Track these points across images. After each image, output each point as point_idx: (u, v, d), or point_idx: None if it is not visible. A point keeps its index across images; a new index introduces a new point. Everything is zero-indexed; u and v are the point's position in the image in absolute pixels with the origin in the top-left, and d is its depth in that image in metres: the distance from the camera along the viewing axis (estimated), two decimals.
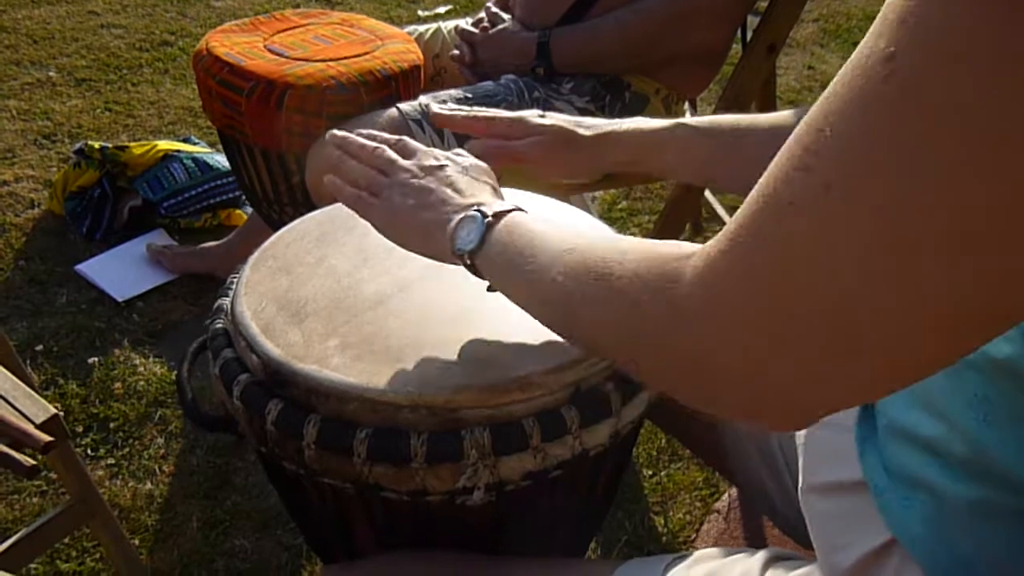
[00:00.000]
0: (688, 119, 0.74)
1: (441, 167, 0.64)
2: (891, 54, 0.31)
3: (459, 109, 0.81)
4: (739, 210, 0.39)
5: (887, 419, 0.61)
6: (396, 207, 0.62)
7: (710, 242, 0.41)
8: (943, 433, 0.52)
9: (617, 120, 0.74)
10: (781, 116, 0.73)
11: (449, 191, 0.62)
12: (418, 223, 0.61)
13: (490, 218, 0.57)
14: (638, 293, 0.43)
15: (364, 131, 0.70)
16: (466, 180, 0.63)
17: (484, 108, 0.80)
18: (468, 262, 0.58)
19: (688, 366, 0.42)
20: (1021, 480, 0.47)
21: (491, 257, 0.56)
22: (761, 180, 0.37)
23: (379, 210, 0.64)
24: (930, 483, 0.52)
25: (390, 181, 0.64)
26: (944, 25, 0.30)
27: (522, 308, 0.55)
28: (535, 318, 0.54)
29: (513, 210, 0.58)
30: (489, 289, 0.59)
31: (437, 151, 0.67)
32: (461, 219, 0.58)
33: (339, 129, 1.21)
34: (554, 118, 0.75)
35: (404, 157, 0.66)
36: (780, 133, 0.70)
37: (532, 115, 0.76)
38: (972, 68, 0.30)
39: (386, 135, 0.69)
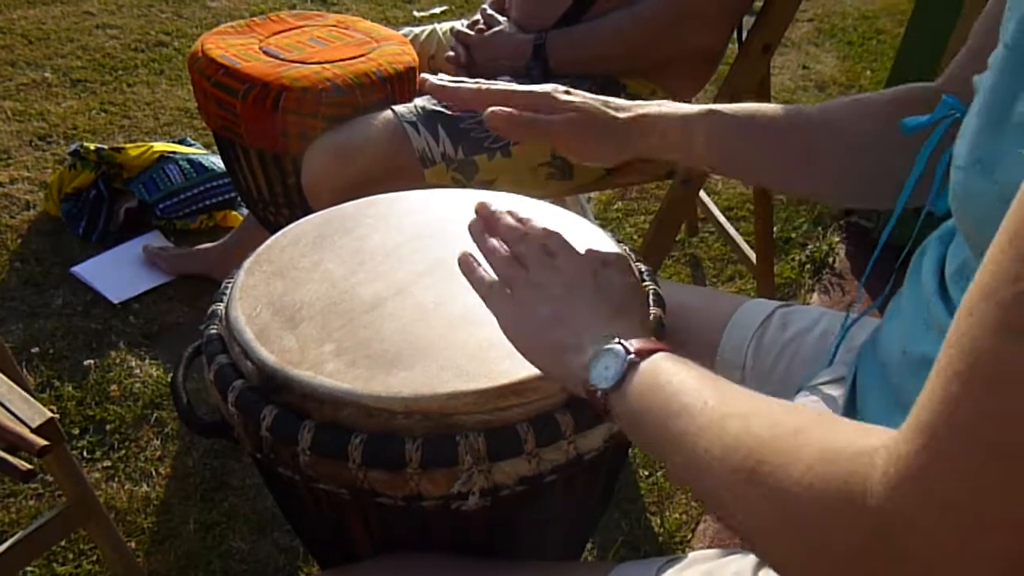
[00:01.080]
0: (721, 106, 0.71)
1: (590, 274, 0.58)
2: None
3: (462, 81, 0.72)
4: (923, 395, 0.33)
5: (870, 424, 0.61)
6: (529, 313, 0.57)
7: (903, 432, 0.34)
8: None
9: (647, 103, 0.71)
10: (817, 106, 0.71)
11: (591, 313, 0.56)
12: (549, 340, 0.56)
13: (633, 355, 0.51)
14: (812, 496, 0.37)
15: (516, 210, 0.65)
16: (612, 304, 0.57)
17: (500, 83, 0.73)
18: (600, 401, 0.52)
19: None
20: None
21: (628, 401, 0.50)
22: (951, 350, 0.32)
23: (509, 308, 0.58)
24: None
25: (528, 278, 0.58)
26: None
27: (655, 457, 0.50)
28: (673, 475, 0.49)
29: (660, 350, 0.52)
30: (620, 434, 0.53)
31: (588, 258, 0.60)
32: (600, 350, 0.53)
33: (335, 132, 1.23)
34: (582, 96, 0.70)
35: (551, 253, 0.60)
36: (817, 123, 0.69)
37: (556, 90, 0.70)
38: None
39: (537, 224, 0.63)
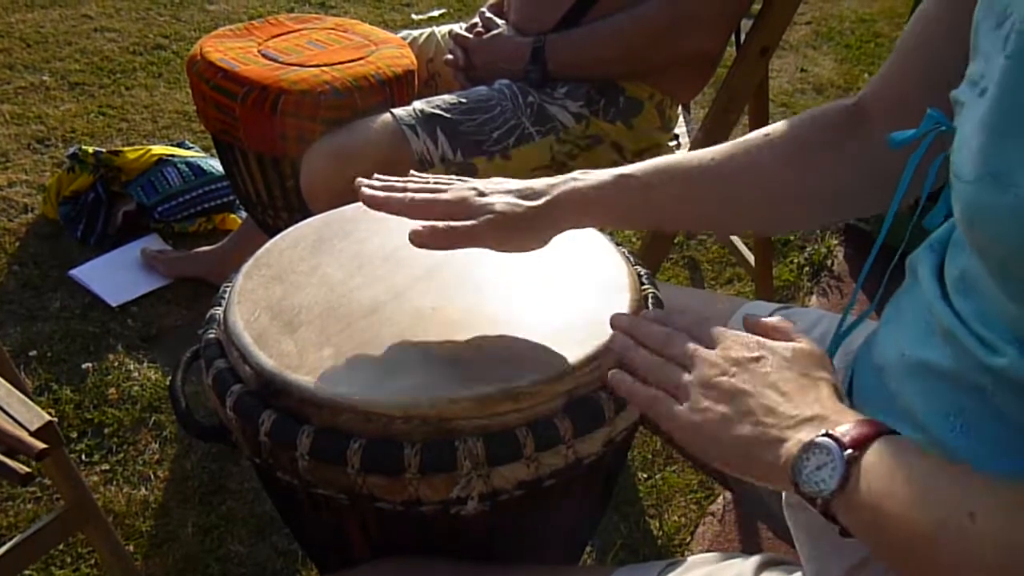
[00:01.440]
0: (626, 169, 0.70)
1: (756, 359, 0.52)
2: None
3: (391, 185, 0.72)
4: None
5: None
6: (704, 416, 0.51)
7: None
8: (924, 444, 0.53)
9: (557, 180, 0.70)
10: (723, 150, 0.70)
11: (773, 395, 0.50)
12: (735, 439, 0.50)
13: (849, 451, 0.45)
14: None
15: (652, 313, 0.63)
16: (792, 379, 0.51)
17: (420, 188, 0.72)
18: (822, 508, 0.46)
19: None
20: None
21: (858, 504, 0.44)
22: None
23: (681, 417, 0.52)
24: None
25: (693, 378, 0.53)
26: None
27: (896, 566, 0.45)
28: None
29: (873, 435, 0.46)
30: (843, 533, 0.47)
31: (748, 337, 0.55)
32: (805, 446, 0.46)
33: (334, 135, 1.23)
34: (495, 193, 0.70)
35: (705, 344, 0.55)
36: (725, 170, 0.69)
37: (470, 193, 0.70)
38: None
39: (678, 317, 0.59)
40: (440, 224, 0.68)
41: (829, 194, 0.71)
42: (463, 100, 1.27)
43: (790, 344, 0.54)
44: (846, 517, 0.45)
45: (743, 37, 1.36)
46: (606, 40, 1.27)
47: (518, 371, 0.62)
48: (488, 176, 1.23)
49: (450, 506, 0.61)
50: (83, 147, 1.97)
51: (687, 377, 0.54)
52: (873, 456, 0.45)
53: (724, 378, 0.52)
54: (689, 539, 1.34)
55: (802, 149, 0.71)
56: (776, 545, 1.29)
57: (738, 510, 1.38)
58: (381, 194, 0.71)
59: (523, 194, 0.69)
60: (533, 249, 0.70)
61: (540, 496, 0.64)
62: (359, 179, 0.73)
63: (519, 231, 0.69)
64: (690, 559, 0.67)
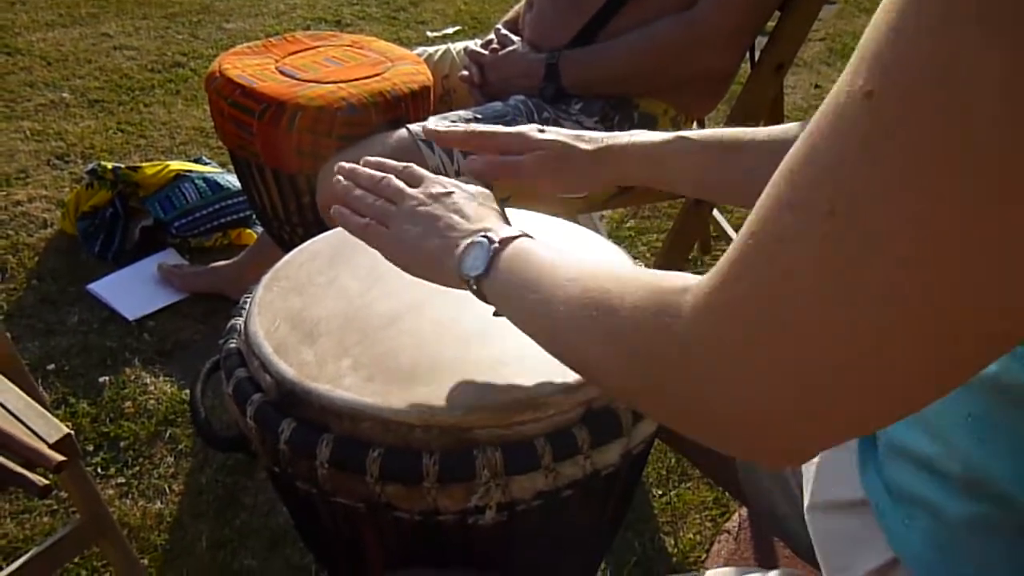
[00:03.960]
0: (688, 132, 0.74)
1: (448, 194, 0.65)
2: (868, 92, 0.33)
3: (456, 125, 0.79)
4: (731, 245, 0.39)
5: (886, 438, 0.61)
6: (404, 235, 0.63)
7: (706, 277, 0.40)
8: (940, 452, 0.53)
9: (617, 133, 0.74)
10: (780, 129, 0.72)
11: (456, 217, 0.62)
12: (425, 250, 0.62)
13: (496, 244, 0.57)
14: (636, 328, 0.43)
15: (371, 159, 0.71)
16: (473, 206, 0.64)
17: (484, 125, 0.79)
18: (474, 287, 0.58)
19: (684, 403, 0.42)
20: (1016, 496, 0.47)
21: (497, 283, 0.57)
22: (751, 216, 0.37)
23: (387, 239, 0.64)
24: (929, 501, 0.52)
25: (398, 210, 0.65)
26: (912, 57, 0.31)
27: (528, 336, 0.54)
28: (541, 347, 0.53)
29: (520, 236, 0.58)
30: (495, 314, 0.58)
31: (444, 179, 0.67)
32: (468, 244, 0.59)
33: (349, 150, 1.24)
34: (554, 133, 0.75)
35: (411, 185, 0.67)
36: (777, 147, 0.70)
37: (531, 130, 0.76)
38: (941, 98, 0.30)
39: (392, 162, 0.70)
40: (492, 157, 0.74)
41: None
42: (478, 116, 1.27)
43: (475, 187, 0.67)
44: (491, 296, 0.57)
45: (758, 54, 1.36)
46: (620, 57, 1.28)
47: (536, 381, 0.62)
48: (504, 191, 1.25)
49: (467, 516, 0.61)
50: (102, 163, 2.00)
51: (394, 209, 0.65)
52: (511, 249, 0.57)
53: (421, 208, 0.64)
54: (704, 556, 1.33)
55: None
56: (792, 562, 1.28)
57: (754, 527, 1.37)
58: (444, 128, 0.78)
59: (581, 137, 0.74)
60: (576, 193, 0.75)
61: (557, 507, 0.64)
62: (429, 124, 0.78)
63: (565, 170, 0.73)
64: (707, 574, 0.67)
